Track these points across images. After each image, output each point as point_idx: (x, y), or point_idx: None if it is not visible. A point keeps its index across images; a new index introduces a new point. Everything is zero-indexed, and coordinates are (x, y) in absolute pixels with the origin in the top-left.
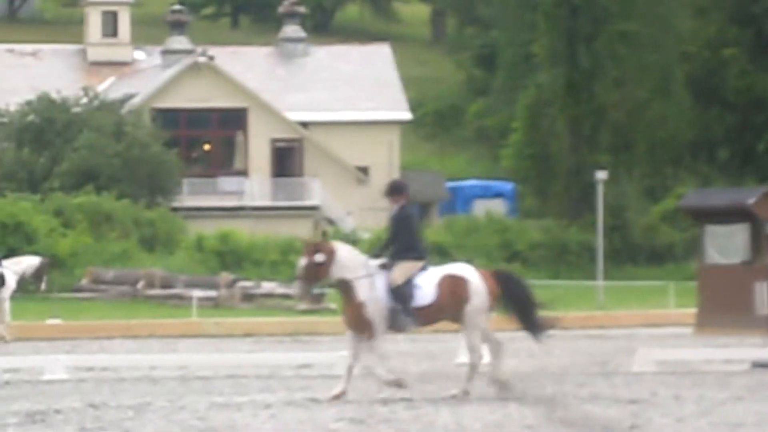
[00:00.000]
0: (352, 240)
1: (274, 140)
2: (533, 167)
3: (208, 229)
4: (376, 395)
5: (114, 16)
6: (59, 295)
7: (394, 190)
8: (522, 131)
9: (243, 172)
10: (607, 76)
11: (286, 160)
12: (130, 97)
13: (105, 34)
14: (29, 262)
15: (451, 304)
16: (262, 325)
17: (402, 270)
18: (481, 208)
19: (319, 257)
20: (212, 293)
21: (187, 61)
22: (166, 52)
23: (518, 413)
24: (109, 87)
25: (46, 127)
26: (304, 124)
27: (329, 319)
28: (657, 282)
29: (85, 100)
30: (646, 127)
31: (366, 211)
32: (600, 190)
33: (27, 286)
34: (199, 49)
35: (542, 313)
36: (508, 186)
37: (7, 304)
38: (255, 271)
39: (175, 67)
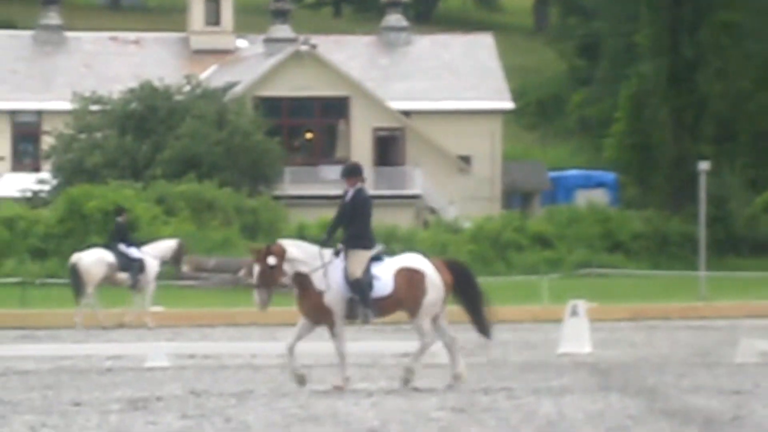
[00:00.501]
0: (453, 229)
1: (376, 129)
2: (635, 157)
3: (310, 217)
4: (477, 385)
5: (217, 4)
6: (161, 282)
7: (351, 171)
8: (624, 121)
9: (345, 161)
10: (709, 67)
11: (388, 149)
12: (233, 85)
13: (208, 23)
14: (167, 245)
15: (408, 296)
16: None
17: (358, 261)
18: (582, 198)
19: (271, 260)
20: None
21: (289, 49)
22: (268, 41)
23: (620, 403)
24: (211, 75)
25: (149, 114)
26: (406, 113)
27: None
28: (760, 273)
29: (187, 88)
30: (748, 118)
31: (468, 201)
32: (702, 181)
33: (167, 270)
34: (302, 38)
35: (488, 307)
36: (609, 176)
37: (152, 288)
38: None
39: (278, 55)
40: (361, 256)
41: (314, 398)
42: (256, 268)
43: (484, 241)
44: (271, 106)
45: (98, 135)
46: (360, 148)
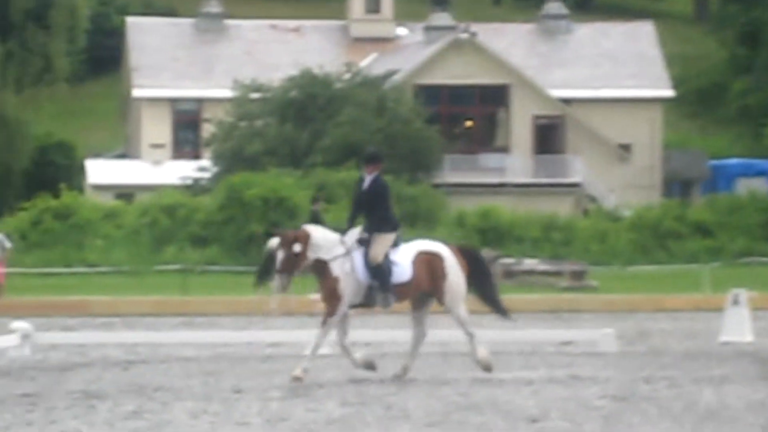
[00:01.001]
0: (613, 218)
1: (536, 117)
2: None
3: (470, 205)
4: (638, 373)
5: None
6: None
7: (372, 159)
8: None
9: (505, 149)
10: None
11: (548, 137)
12: (392, 73)
13: (368, 11)
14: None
15: (428, 281)
16: (523, 301)
17: (380, 245)
18: (743, 186)
19: (297, 247)
20: None
21: (449, 37)
22: (428, 29)
23: None
24: (371, 63)
25: (309, 102)
26: (566, 101)
27: (591, 297)
28: None
29: (347, 75)
30: None
31: (628, 189)
32: None
33: None
34: (462, 26)
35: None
36: None
37: None
38: (516, 248)
39: (438, 43)
40: (386, 240)
41: (475, 386)
42: (281, 254)
43: (644, 229)
44: (430, 94)
45: (258, 123)
46: (520, 136)
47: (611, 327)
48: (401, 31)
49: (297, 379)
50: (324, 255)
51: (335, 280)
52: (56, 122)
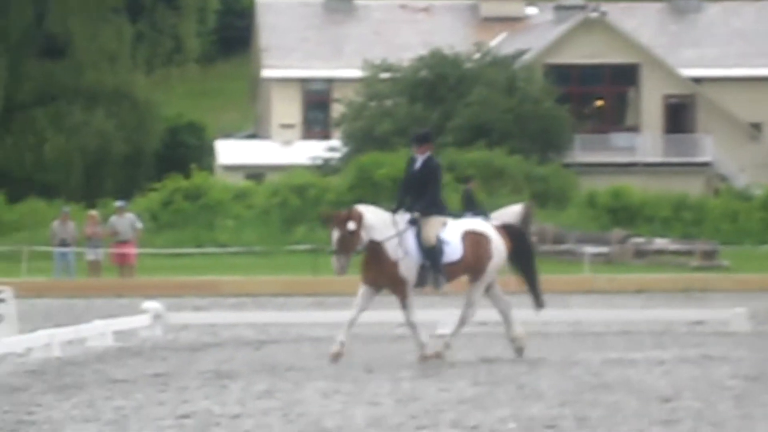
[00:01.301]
0: (744, 197)
1: (667, 96)
2: None
3: (600, 185)
4: None
5: None
6: None
7: (422, 139)
8: None
9: (635, 128)
10: None
11: (678, 116)
12: (522, 53)
13: None
14: (514, 210)
15: (475, 260)
16: (654, 281)
17: (433, 227)
18: None
19: (351, 225)
20: (604, 249)
21: (579, 16)
22: (558, 8)
23: None
24: (501, 43)
25: (439, 82)
26: (697, 80)
27: (723, 276)
28: None
29: (477, 55)
30: None
31: (759, 168)
32: None
33: None
34: (592, 5)
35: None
36: None
37: None
38: (647, 228)
39: (568, 22)
40: (437, 222)
41: (607, 366)
42: (336, 234)
43: None
44: (560, 73)
45: (388, 103)
46: (650, 115)
47: (743, 306)
48: (531, 10)
49: (426, 357)
50: (377, 235)
51: (393, 264)
52: (187, 103)
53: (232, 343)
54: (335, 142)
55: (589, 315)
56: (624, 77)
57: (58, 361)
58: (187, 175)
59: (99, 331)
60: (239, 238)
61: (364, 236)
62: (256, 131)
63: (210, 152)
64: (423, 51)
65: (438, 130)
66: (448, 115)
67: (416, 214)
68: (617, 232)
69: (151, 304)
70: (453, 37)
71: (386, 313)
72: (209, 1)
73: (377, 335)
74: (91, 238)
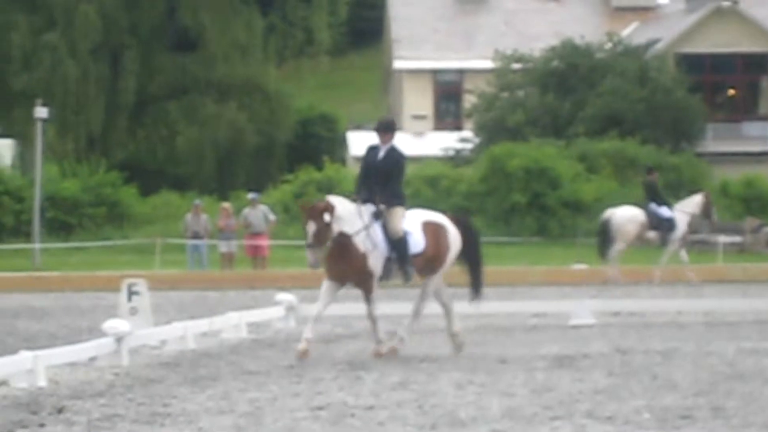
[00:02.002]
0: None
1: None
2: None
3: (733, 174)
4: None
5: None
6: (584, 240)
7: (386, 127)
8: None
9: (767, 118)
10: None
11: None
12: (654, 42)
13: None
14: (696, 200)
15: (436, 251)
16: None
17: (399, 219)
18: None
19: (327, 217)
20: (737, 239)
21: (711, 5)
22: None
23: None
24: (632, 32)
25: (570, 72)
26: None
27: None
28: None
29: (608, 45)
30: None
31: None
32: None
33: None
34: None
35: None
36: None
37: (674, 247)
38: None
39: (699, 11)
40: (400, 213)
41: (741, 356)
42: (312, 226)
43: None
44: (692, 62)
45: (520, 93)
46: None
47: None
48: None
49: (378, 354)
50: (346, 228)
51: (362, 257)
52: (318, 95)
53: (366, 334)
54: (467, 133)
55: (722, 304)
56: (756, 66)
57: (193, 353)
58: (319, 167)
59: (233, 322)
60: None
61: (335, 228)
62: None
63: (342, 144)
64: (554, 41)
65: (570, 120)
66: (580, 105)
67: (382, 206)
68: (750, 222)
69: (285, 296)
70: (584, 27)
71: (521, 303)
72: None
73: (511, 326)
74: (223, 230)
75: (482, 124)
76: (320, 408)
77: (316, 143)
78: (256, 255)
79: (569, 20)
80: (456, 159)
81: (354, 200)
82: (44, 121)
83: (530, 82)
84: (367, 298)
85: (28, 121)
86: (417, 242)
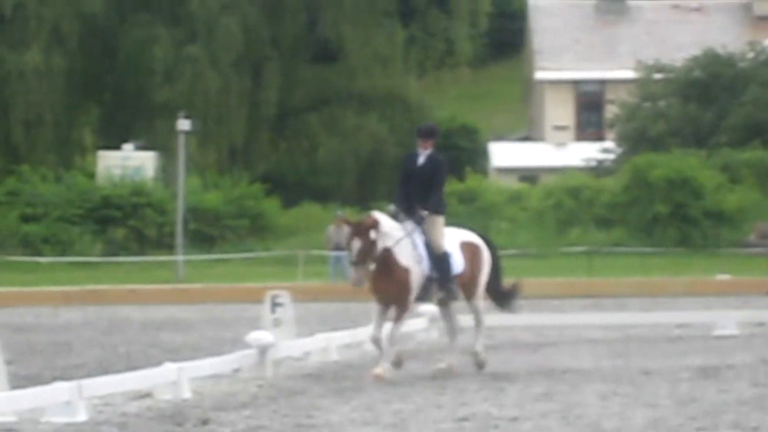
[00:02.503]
0: None
1: None
2: None
3: None
4: None
5: None
6: (727, 250)
7: (427, 133)
8: None
9: None
10: None
11: None
12: None
13: None
14: None
15: (471, 274)
16: None
17: (440, 232)
18: None
19: (373, 234)
20: None
21: None
22: None
23: None
24: None
25: (712, 82)
26: None
27: None
28: None
29: (750, 54)
30: None
31: None
32: None
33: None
34: None
35: (506, 282)
36: None
37: None
38: None
39: None
40: (442, 225)
41: None
42: (358, 243)
43: None
44: None
45: (661, 103)
46: None
47: None
48: None
49: (379, 378)
50: (389, 242)
51: (404, 272)
52: (459, 106)
53: (510, 345)
54: (609, 144)
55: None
56: None
57: (336, 365)
58: (461, 178)
59: None
60: (514, 240)
61: (379, 245)
62: (530, 133)
63: (484, 155)
64: (696, 51)
65: (712, 130)
66: (722, 114)
67: (425, 213)
68: None
69: (427, 308)
70: (726, 36)
71: (664, 314)
72: (481, 4)
73: (654, 336)
74: None
75: (624, 134)
76: (464, 419)
77: (457, 154)
78: None
79: (711, 30)
80: (598, 169)
81: (394, 211)
82: (187, 133)
83: (672, 92)
84: (399, 316)
85: (171, 134)
86: (457, 263)
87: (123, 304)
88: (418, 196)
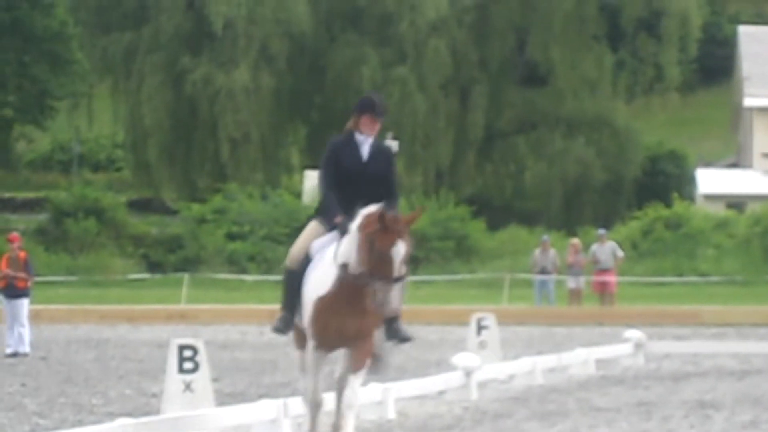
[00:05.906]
0: None
1: None
2: None
3: None
4: None
5: None
6: None
7: (381, 109)
8: None
9: None
10: None
11: None
12: None
13: None
14: None
15: None
16: None
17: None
18: None
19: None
20: None
21: None
22: None
23: None
24: None
25: None
26: None
27: None
28: None
29: None
30: None
31: None
32: None
33: None
34: None
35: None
36: None
37: None
38: None
39: None
40: None
41: None
42: (402, 248)
43: None
44: None
45: None
46: None
47: None
48: None
49: None
50: None
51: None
52: (667, 131)
53: (715, 372)
54: None
55: None
56: None
57: (541, 388)
58: (667, 204)
59: (581, 358)
60: (720, 267)
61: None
62: (738, 160)
63: (691, 181)
64: None
65: None
66: None
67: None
68: None
69: (633, 333)
70: None
71: None
72: (691, 30)
73: None
74: (572, 266)
75: None
76: None
77: (664, 180)
78: (603, 291)
79: None
80: None
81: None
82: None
83: None
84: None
85: None
86: None
87: None
88: (366, 205)
